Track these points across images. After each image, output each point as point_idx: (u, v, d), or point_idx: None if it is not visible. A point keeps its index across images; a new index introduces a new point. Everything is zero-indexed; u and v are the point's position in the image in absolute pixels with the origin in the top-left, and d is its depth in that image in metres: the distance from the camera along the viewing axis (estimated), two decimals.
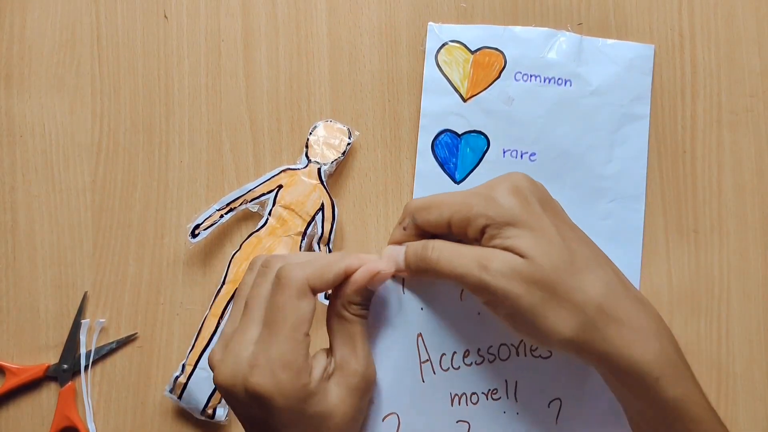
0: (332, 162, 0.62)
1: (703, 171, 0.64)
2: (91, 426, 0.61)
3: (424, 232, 0.42)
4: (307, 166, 0.62)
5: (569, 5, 0.65)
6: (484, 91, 0.64)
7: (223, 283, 0.61)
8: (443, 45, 0.64)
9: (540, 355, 0.44)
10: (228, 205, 0.62)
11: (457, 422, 0.44)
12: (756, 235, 0.63)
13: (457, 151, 0.64)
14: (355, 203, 0.64)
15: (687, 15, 0.65)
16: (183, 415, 0.62)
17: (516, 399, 0.44)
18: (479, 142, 0.64)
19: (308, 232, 0.61)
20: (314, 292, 0.40)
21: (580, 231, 0.42)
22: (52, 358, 0.62)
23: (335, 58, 0.64)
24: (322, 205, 0.62)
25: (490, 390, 0.44)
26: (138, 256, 0.63)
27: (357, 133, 0.63)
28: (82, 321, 0.62)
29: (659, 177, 0.64)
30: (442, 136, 0.64)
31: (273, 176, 0.62)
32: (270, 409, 0.39)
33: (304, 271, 0.40)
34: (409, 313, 0.43)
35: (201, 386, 0.60)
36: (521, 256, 0.39)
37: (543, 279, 0.38)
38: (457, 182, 0.64)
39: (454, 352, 0.43)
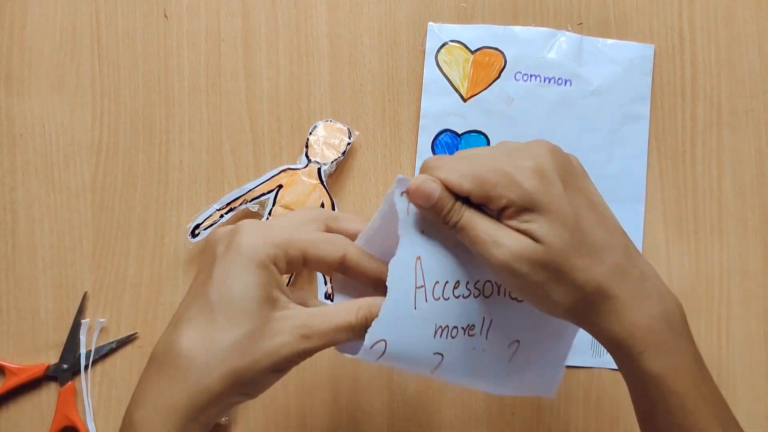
0: (332, 162, 0.62)
1: (703, 171, 0.64)
2: (91, 426, 0.61)
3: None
4: (307, 165, 0.62)
5: (569, 5, 0.65)
6: (484, 91, 0.64)
7: None
8: (443, 45, 0.64)
9: (515, 298, 0.46)
10: (228, 204, 0.62)
11: (433, 354, 0.45)
12: (756, 235, 0.63)
13: (457, 151, 0.64)
14: (355, 203, 0.64)
15: (687, 15, 0.65)
16: None
17: (486, 337, 0.46)
18: (479, 142, 0.64)
19: None
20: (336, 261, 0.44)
21: (601, 209, 0.44)
22: (52, 358, 0.62)
23: (335, 58, 0.64)
24: (322, 204, 0.62)
25: (468, 326, 0.45)
26: (138, 256, 0.63)
27: (357, 133, 0.63)
28: (82, 321, 0.62)
29: (659, 177, 0.64)
30: (442, 136, 0.64)
31: (273, 176, 0.62)
32: (232, 239, 0.42)
33: (344, 240, 0.45)
34: (411, 235, 0.43)
35: None
36: (535, 240, 0.41)
37: (549, 261, 0.40)
38: None
39: (447, 282, 0.44)
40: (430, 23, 0.64)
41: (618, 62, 0.64)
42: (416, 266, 0.43)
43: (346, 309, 0.42)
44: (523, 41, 0.64)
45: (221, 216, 0.61)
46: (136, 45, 0.64)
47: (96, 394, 0.62)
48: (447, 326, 0.44)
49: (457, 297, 0.44)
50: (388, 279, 0.42)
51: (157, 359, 0.41)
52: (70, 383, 0.62)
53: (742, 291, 0.63)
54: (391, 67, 0.65)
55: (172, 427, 0.39)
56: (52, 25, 0.64)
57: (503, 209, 0.41)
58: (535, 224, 0.41)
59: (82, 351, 0.62)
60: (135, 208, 0.63)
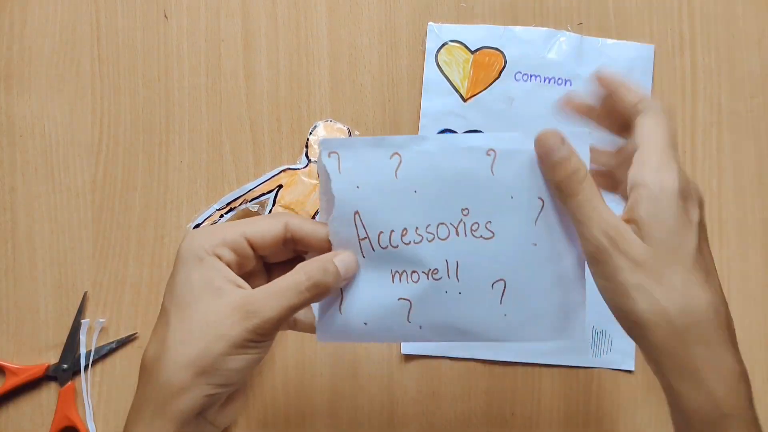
0: None
1: (703, 172, 0.64)
2: (91, 426, 0.61)
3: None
4: (307, 165, 0.62)
5: (569, 5, 0.65)
6: (484, 91, 0.64)
7: None
8: (443, 45, 0.64)
9: (481, 236, 0.45)
10: (228, 204, 0.62)
11: (398, 299, 0.45)
12: (756, 236, 0.63)
13: None
14: None
15: (687, 16, 0.65)
16: None
17: (458, 279, 0.45)
18: None
19: None
20: (288, 233, 0.44)
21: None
22: (52, 358, 0.62)
23: (335, 58, 0.65)
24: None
25: (430, 270, 0.45)
26: (138, 256, 0.63)
27: (357, 133, 0.63)
28: (82, 321, 0.62)
29: None
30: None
31: (273, 176, 0.62)
32: (178, 252, 0.43)
33: (291, 217, 0.45)
34: (345, 192, 0.44)
35: None
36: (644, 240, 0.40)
37: (654, 269, 0.40)
38: None
39: (392, 231, 0.44)
40: (430, 23, 0.64)
41: (618, 62, 0.64)
42: (355, 220, 0.44)
43: (293, 273, 0.42)
44: (523, 41, 0.64)
45: (221, 216, 0.61)
46: (136, 45, 0.64)
47: (96, 394, 0.62)
48: (404, 270, 0.45)
49: (407, 243, 0.44)
50: (330, 236, 0.44)
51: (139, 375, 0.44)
52: (70, 383, 0.62)
53: (742, 291, 0.63)
54: (391, 67, 0.65)
55: (144, 427, 0.41)
56: (52, 25, 0.64)
57: (629, 198, 0.41)
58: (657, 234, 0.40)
59: (82, 351, 0.62)
60: (135, 208, 0.63)
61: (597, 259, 0.41)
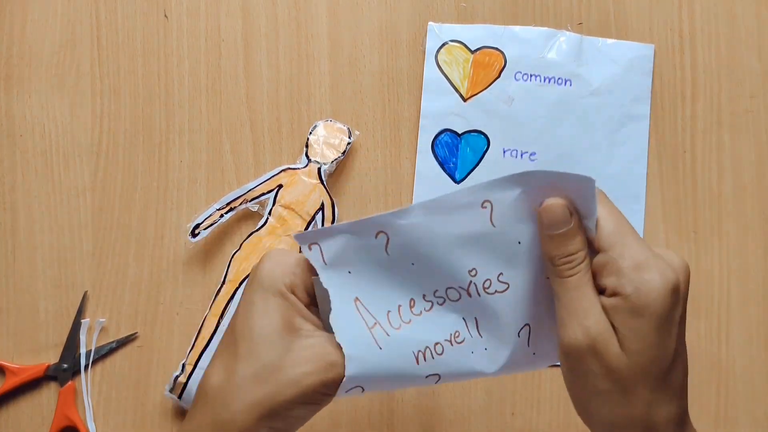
0: (332, 162, 0.62)
1: (702, 172, 0.64)
2: (91, 426, 0.61)
3: None
4: (307, 165, 0.62)
5: (569, 5, 0.65)
6: (484, 91, 0.64)
7: (223, 282, 0.61)
8: (443, 45, 0.64)
9: (496, 291, 0.41)
10: (228, 204, 0.62)
11: (426, 377, 0.41)
12: (755, 235, 0.63)
13: (457, 151, 0.64)
14: (355, 203, 0.64)
15: (687, 15, 0.65)
16: (183, 415, 0.62)
17: (480, 336, 0.42)
18: (479, 142, 0.64)
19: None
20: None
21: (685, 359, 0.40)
22: (52, 357, 0.62)
23: (335, 58, 0.64)
24: (322, 204, 0.62)
25: (451, 334, 0.41)
26: (138, 256, 0.63)
27: (357, 132, 0.63)
28: (82, 321, 0.62)
29: (659, 177, 0.64)
30: (442, 135, 0.64)
31: (273, 176, 0.62)
32: (255, 270, 0.41)
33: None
34: (337, 281, 0.41)
35: None
36: (621, 347, 0.37)
37: (626, 376, 0.37)
38: (457, 182, 0.64)
39: (400, 306, 0.41)
40: (430, 23, 0.64)
41: (618, 62, 0.64)
42: (357, 307, 0.41)
43: None
44: (523, 41, 0.64)
45: (221, 216, 0.61)
46: (136, 45, 0.64)
47: (96, 394, 0.62)
48: (427, 347, 0.41)
49: (418, 314, 0.41)
50: (336, 336, 0.40)
51: (196, 394, 0.41)
52: (70, 383, 0.62)
53: (742, 291, 0.63)
54: (391, 67, 0.65)
55: None
56: (52, 25, 0.64)
57: (614, 294, 0.37)
58: (634, 334, 0.37)
59: (82, 351, 0.62)
60: (135, 208, 0.63)
61: (568, 354, 0.38)
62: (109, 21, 0.64)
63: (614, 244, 0.37)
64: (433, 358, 0.41)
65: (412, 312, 0.41)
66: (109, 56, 0.64)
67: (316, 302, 0.41)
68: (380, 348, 0.40)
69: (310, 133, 0.63)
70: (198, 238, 0.61)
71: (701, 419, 0.62)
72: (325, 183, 0.62)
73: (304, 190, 0.62)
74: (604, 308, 0.37)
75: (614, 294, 0.37)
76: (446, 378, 0.42)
